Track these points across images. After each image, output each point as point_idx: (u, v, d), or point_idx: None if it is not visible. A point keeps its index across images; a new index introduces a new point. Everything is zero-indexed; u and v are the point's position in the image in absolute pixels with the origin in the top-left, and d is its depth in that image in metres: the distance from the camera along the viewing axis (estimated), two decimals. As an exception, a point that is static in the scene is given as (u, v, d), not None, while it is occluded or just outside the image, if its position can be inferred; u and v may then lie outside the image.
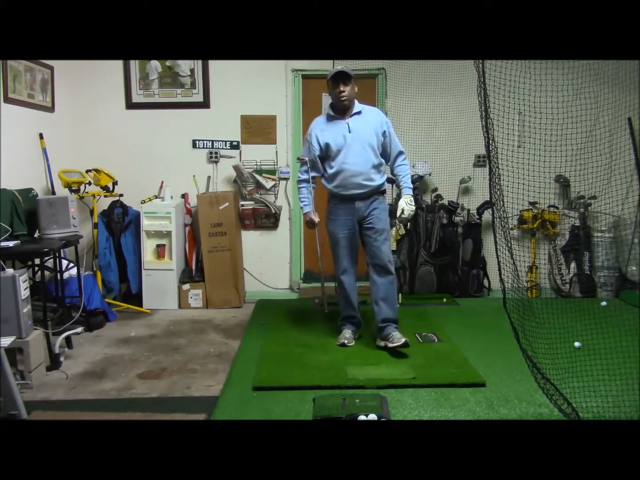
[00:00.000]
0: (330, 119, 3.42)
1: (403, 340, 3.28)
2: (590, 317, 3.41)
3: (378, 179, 3.40)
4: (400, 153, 3.48)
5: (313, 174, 3.48)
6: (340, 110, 3.38)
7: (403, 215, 3.39)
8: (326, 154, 3.41)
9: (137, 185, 4.78)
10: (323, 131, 3.40)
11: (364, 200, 3.39)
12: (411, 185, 3.47)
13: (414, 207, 3.42)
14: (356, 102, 3.42)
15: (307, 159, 3.45)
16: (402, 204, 3.39)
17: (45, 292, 3.50)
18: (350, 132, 3.35)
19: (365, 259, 3.51)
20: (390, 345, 3.33)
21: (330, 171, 3.40)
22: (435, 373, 3.09)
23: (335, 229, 3.45)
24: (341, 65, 3.39)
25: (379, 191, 3.44)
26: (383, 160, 3.45)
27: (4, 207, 3.53)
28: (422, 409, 2.71)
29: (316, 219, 3.52)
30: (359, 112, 3.40)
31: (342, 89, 3.29)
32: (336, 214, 3.45)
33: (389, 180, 3.70)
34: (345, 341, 3.50)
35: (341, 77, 3.28)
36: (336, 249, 3.48)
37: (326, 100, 4.94)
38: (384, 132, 3.41)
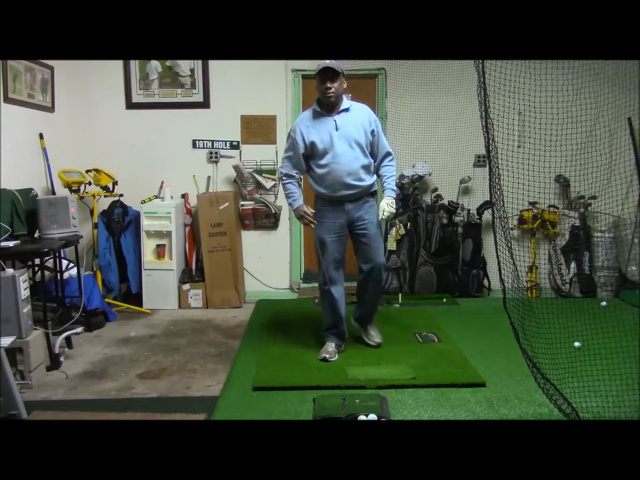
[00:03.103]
0: (316, 115, 3.24)
1: (376, 341, 3.49)
2: (590, 317, 3.40)
3: (368, 179, 3.26)
4: (388, 154, 3.33)
5: (295, 172, 3.30)
6: (327, 107, 3.21)
7: (382, 217, 3.27)
8: (312, 153, 3.23)
9: (137, 185, 4.78)
10: (308, 128, 3.22)
11: (354, 202, 3.26)
12: (395, 188, 3.34)
13: (394, 210, 3.28)
14: (344, 98, 3.27)
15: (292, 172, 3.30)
16: (383, 204, 3.25)
17: (45, 292, 3.50)
18: (337, 130, 3.18)
19: (358, 262, 3.42)
20: (364, 339, 3.52)
21: (319, 172, 3.23)
22: (435, 373, 3.09)
23: (322, 232, 3.27)
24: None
25: (369, 192, 3.31)
26: (372, 160, 3.30)
27: (4, 207, 3.53)
28: (422, 409, 2.71)
29: (310, 211, 3.27)
30: (347, 109, 3.23)
31: (328, 85, 3.11)
32: (323, 216, 3.28)
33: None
34: (327, 355, 3.29)
35: (327, 73, 3.10)
36: (323, 255, 3.30)
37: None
38: (373, 130, 3.25)
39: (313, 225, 3.29)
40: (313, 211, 3.29)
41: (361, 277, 3.42)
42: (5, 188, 3.63)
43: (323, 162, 3.21)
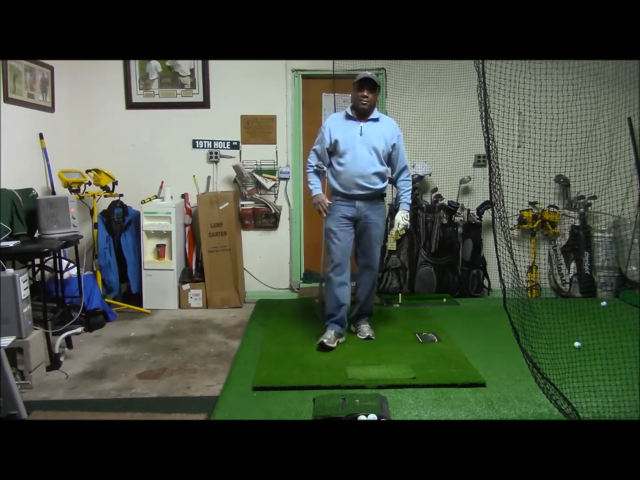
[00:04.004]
0: (347, 118, 3.53)
1: (366, 335, 3.67)
2: (590, 317, 3.41)
3: (380, 184, 3.51)
4: (406, 168, 3.62)
5: (319, 163, 3.60)
6: (359, 113, 3.49)
7: (397, 229, 3.62)
8: (334, 150, 3.51)
9: (137, 185, 4.77)
10: (337, 127, 3.51)
11: (365, 201, 3.50)
12: (410, 202, 3.64)
13: (408, 223, 3.64)
14: (376, 110, 3.54)
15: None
16: (398, 218, 3.60)
17: (45, 292, 3.50)
18: (361, 135, 3.45)
19: (355, 258, 3.64)
20: (358, 336, 3.70)
21: (338, 168, 3.49)
22: (435, 373, 3.09)
23: (332, 223, 3.53)
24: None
25: (379, 195, 3.56)
26: (388, 169, 3.56)
27: (4, 207, 3.53)
28: (422, 409, 2.71)
29: (327, 202, 3.54)
30: (375, 119, 3.51)
31: (365, 94, 3.40)
32: (335, 209, 3.53)
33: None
34: (325, 340, 3.43)
35: (367, 83, 3.39)
36: (330, 242, 3.55)
37: (326, 100, 4.97)
38: (394, 144, 3.53)
39: (325, 215, 3.57)
40: (330, 202, 3.55)
41: (357, 275, 3.67)
42: (5, 188, 3.63)
43: (342, 160, 3.48)
